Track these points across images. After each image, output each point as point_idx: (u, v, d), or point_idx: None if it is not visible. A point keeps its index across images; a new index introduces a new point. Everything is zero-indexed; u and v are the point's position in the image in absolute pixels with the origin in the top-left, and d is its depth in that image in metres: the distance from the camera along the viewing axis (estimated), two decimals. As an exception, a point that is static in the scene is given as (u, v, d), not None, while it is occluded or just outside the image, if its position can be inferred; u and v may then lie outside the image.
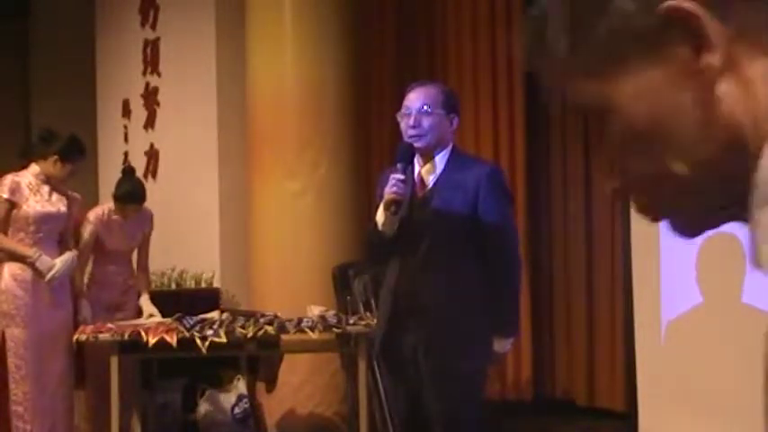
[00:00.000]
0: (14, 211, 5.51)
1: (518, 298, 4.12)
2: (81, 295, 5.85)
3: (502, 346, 4.03)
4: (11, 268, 5.47)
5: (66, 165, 5.59)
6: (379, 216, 3.99)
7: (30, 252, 5.46)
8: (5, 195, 5.49)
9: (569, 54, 0.82)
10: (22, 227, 5.51)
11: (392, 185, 3.89)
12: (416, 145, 3.97)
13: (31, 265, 5.46)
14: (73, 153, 5.65)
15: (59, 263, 5.51)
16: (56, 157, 5.56)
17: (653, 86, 0.78)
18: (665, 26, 0.77)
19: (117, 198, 5.96)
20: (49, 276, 5.47)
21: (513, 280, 4.04)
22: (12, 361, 5.45)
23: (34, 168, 5.59)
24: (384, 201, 3.94)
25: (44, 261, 5.47)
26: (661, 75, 0.78)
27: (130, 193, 5.96)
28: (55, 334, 5.52)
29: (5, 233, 5.52)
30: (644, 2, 0.79)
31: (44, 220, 5.57)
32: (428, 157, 4.02)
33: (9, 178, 5.54)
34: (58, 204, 5.63)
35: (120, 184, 6.04)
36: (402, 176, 3.90)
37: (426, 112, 3.96)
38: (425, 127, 3.95)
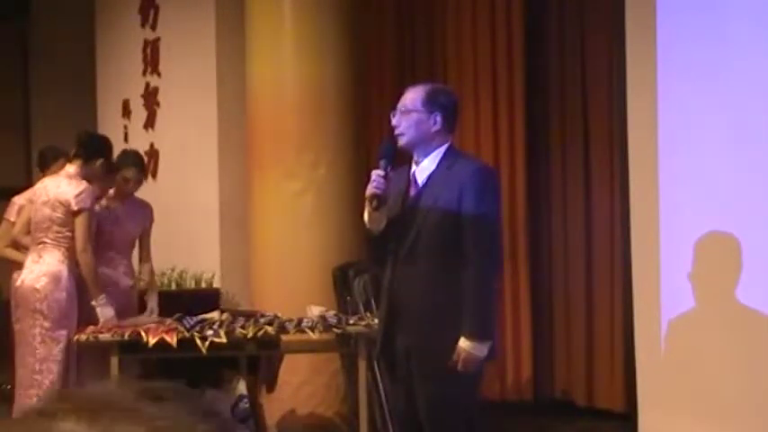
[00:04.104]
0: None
1: (490, 299, 3.95)
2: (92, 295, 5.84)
3: (468, 345, 3.82)
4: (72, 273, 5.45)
5: (104, 167, 5.63)
6: (365, 214, 4.04)
7: (101, 295, 5.47)
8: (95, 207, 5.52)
9: None
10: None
11: (372, 181, 3.97)
12: (399, 143, 4.04)
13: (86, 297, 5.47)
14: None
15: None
16: (102, 160, 5.57)
17: None
18: None
19: (116, 165, 5.79)
20: (102, 324, 5.45)
21: (484, 280, 3.90)
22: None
23: (73, 171, 5.53)
24: (366, 197, 3.99)
25: (106, 310, 5.46)
26: None
27: (129, 156, 5.93)
28: None
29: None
30: None
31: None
32: (423, 156, 4.05)
33: (90, 187, 5.48)
34: None
35: (120, 153, 6.01)
36: (382, 172, 3.97)
37: (405, 111, 4.01)
38: (403, 126, 4.00)
